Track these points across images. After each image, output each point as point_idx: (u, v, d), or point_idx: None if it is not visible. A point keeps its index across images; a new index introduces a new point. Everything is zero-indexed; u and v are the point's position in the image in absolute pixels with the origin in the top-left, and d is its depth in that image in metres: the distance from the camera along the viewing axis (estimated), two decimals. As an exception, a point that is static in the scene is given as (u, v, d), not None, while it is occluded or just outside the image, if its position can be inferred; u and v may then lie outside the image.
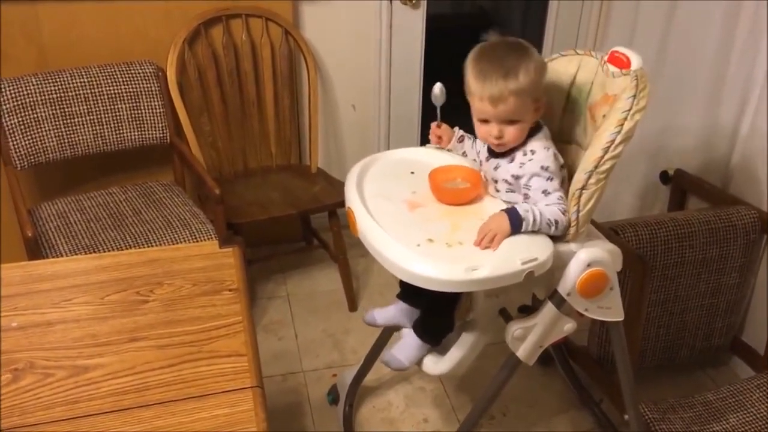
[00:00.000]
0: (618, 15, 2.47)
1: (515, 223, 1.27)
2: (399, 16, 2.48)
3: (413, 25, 2.52)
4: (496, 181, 1.41)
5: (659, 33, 2.25)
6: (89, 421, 0.92)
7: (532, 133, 1.36)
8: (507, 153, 1.38)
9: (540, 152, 1.33)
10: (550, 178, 1.32)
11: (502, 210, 1.31)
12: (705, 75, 2.13)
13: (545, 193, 1.32)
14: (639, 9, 2.34)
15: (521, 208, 1.28)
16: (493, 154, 1.41)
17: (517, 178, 1.35)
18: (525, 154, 1.35)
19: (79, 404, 0.95)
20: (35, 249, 1.84)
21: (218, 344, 1.05)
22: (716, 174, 2.12)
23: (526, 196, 1.35)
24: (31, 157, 2.05)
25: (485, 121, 1.34)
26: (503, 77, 1.27)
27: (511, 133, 1.33)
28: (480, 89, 1.30)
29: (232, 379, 0.99)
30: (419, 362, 1.52)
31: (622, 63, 1.33)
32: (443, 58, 2.33)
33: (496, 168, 1.40)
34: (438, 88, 1.51)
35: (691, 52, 2.17)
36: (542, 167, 1.32)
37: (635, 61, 1.31)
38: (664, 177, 2.26)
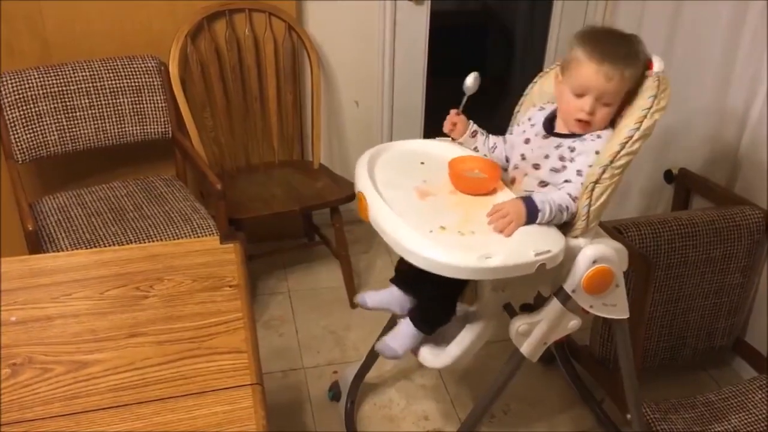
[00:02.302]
0: (623, 14, 2.46)
1: (531, 213, 1.28)
2: (403, 12, 2.47)
3: (417, 21, 2.51)
4: (546, 157, 1.40)
5: (665, 32, 2.24)
6: (88, 416, 0.92)
7: (606, 127, 1.38)
8: (577, 135, 1.38)
9: (604, 139, 1.35)
10: (590, 165, 1.33)
11: (519, 197, 1.31)
12: (710, 74, 2.12)
13: (579, 173, 1.33)
14: (644, 8, 2.33)
15: (537, 200, 1.29)
16: (552, 132, 1.42)
17: (572, 150, 1.36)
18: (592, 135, 1.37)
19: (78, 400, 0.94)
20: (36, 243, 1.84)
21: (218, 341, 1.04)
22: (721, 173, 2.11)
23: (564, 168, 1.36)
24: (33, 150, 2.05)
25: (580, 96, 1.34)
26: (623, 60, 1.30)
27: (601, 113, 1.34)
28: (599, 61, 1.30)
29: (231, 376, 0.98)
30: (416, 354, 1.51)
31: (647, 66, 1.35)
32: (447, 55, 2.33)
33: (558, 147, 1.39)
34: (473, 76, 1.52)
35: (697, 51, 2.16)
36: (596, 152, 1.34)
37: (657, 65, 1.33)
38: (668, 176, 2.24)
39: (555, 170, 1.38)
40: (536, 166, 1.42)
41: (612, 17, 2.55)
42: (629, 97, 1.35)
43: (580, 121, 1.36)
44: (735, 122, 2.05)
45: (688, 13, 2.17)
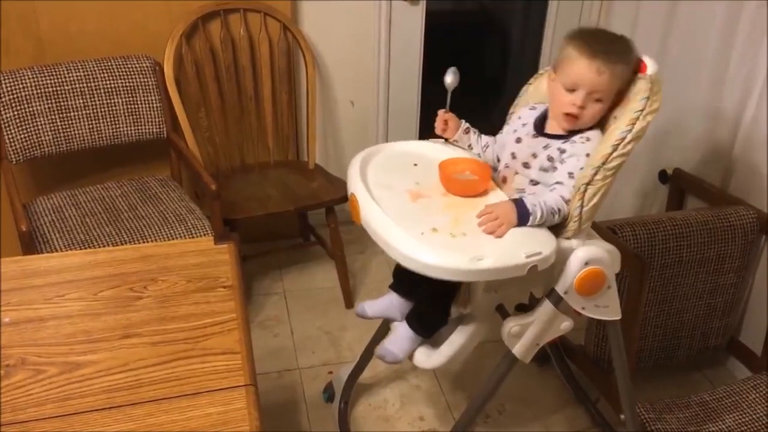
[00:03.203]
0: (618, 14, 2.46)
1: (522, 215, 1.28)
2: (398, 12, 2.47)
3: (412, 21, 2.51)
4: (534, 156, 1.40)
5: (659, 32, 2.25)
6: (81, 418, 0.91)
7: (594, 126, 1.39)
8: (564, 136, 1.39)
9: (594, 142, 1.35)
10: (581, 168, 1.34)
11: (511, 199, 1.31)
12: (705, 75, 2.12)
13: (570, 175, 1.33)
14: (639, 8, 2.33)
15: (529, 203, 1.29)
16: (542, 132, 1.42)
17: (562, 152, 1.36)
18: (581, 138, 1.37)
19: (71, 401, 0.94)
20: (30, 243, 1.83)
21: (212, 341, 1.04)
22: (715, 173, 2.12)
23: (554, 169, 1.36)
24: (27, 151, 2.04)
25: (572, 90, 1.35)
26: (615, 56, 1.31)
27: (592, 109, 1.35)
28: (590, 56, 1.31)
29: (225, 377, 0.98)
30: (411, 355, 1.51)
31: (638, 68, 1.35)
32: (443, 55, 2.32)
33: (546, 147, 1.39)
34: (451, 71, 1.52)
35: (691, 51, 2.17)
36: (587, 155, 1.34)
37: (651, 67, 1.33)
38: (663, 176, 2.25)
39: (544, 170, 1.39)
40: (526, 165, 1.42)
41: (607, 18, 2.55)
42: (619, 98, 1.35)
43: (569, 115, 1.36)
44: (729, 123, 2.06)
45: (682, 14, 2.18)
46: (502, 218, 1.28)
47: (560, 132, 1.40)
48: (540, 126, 1.44)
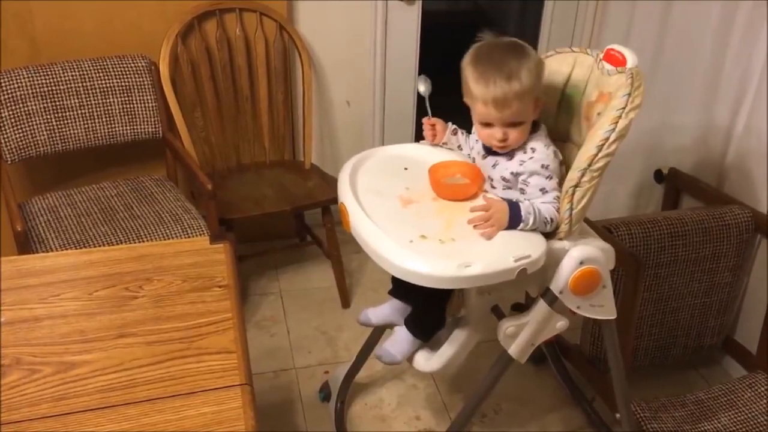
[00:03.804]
0: (613, 14, 2.47)
1: (514, 220, 1.28)
2: (394, 12, 2.47)
3: (408, 21, 2.51)
4: (491, 179, 1.40)
5: (655, 32, 2.25)
6: (76, 418, 0.91)
7: (531, 131, 1.36)
8: (508, 152, 1.37)
9: (540, 150, 1.33)
10: (549, 177, 1.32)
11: (507, 201, 1.30)
12: (700, 74, 2.13)
13: (543, 191, 1.32)
14: (634, 8, 2.33)
15: (524, 209, 1.28)
16: (490, 152, 1.41)
17: (516, 175, 1.35)
18: (525, 152, 1.35)
19: (66, 401, 0.94)
20: (25, 244, 1.83)
21: (207, 341, 1.04)
22: (711, 173, 2.12)
23: (522, 191, 1.35)
24: (22, 150, 2.04)
25: (488, 124, 1.33)
26: (506, 80, 1.26)
27: (515, 135, 1.32)
28: (483, 93, 1.28)
29: (220, 376, 0.98)
30: (410, 358, 1.51)
31: (617, 61, 1.32)
32: (439, 54, 2.33)
33: (494, 165, 1.39)
34: (422, 79, 1.53)
35: (686, 51, 2.17)
36: (543, 165, 1.32)
37: (631, 59, 1.30)
38: (659, 176, 2.26)
39: (508, 188, 1.37)
40: (492, 185, 1.41)
41: (602, 18, 2.55)
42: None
43: (500, 148, 1.35)
44: (725, 122, 2.06)
45: (677, 14, 2.18)
46: (493, 220, 1.27)
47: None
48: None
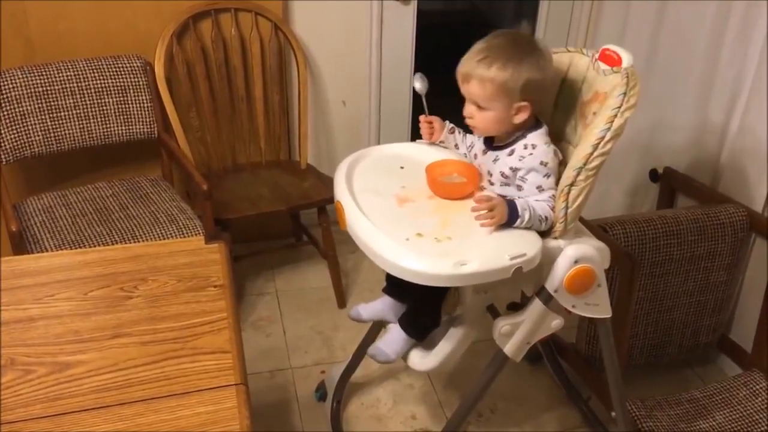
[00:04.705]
0: (608, 14, 2.47)
1: (511, 216, 1.28)
2: (390, 12, 2.47)
3: (404, 21, 2.51)
4: (490, 174, 1.41)
5: (650, 32, 2.25)
6: (70, 418, 0.91)
7: (531, 128, 1.37)
8: (507, 146, 1.38)
9: (541, 147, 1.34)
10: (547, 175, 1.33)
11: (506, 198, 1.31)
12: (695, 73, 2.13)
13: (539, 189, 1.33)
14: (629, 8, 2.34)
15: (519, 206, 1.28)
16: (491, 146, 1.42)
17: (514, 170, 1.35)
18: (525, 148, 1.35)
19: (61, 401, 0.93)
20: (20, 244, 1.82)
21: (202, 341, 1.04)
22: (705, 172, 2.13)
23: (519, 188, 1.35)
24: (17, 151, 2.03)
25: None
26: (478, 60, 1.30)
27: (479, 118, 1.35)
28: (460, 63, 1.33)
29: (215, 376, 0.98)
30: (405, 356, 1.51)
31: (613, 61, 1.33)
32: (434, 54, 2.33)
33: (495, 161, 1.39)
34: (418, 77, 1.53)
35: (681, 50, 2.18)
36: (541, 162, 1.32)
37: (626, 59, 1.31)
38: (654, 175, 2.26)
39: (505, 184, 1.38)
40: (490, 181, 1.42)
41: (597, 18, 2.56)
42: (544, 99, 1.35)
43: (470, 126, 1.39)
44: (719, 121, 2.07)
45: (672, 13, 2.19)
46: (495, 212, 1.27)
47: (505, 141, 1.39)
48: (490, 139, 1.43)
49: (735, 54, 1.99)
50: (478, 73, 1.30)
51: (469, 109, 1.36)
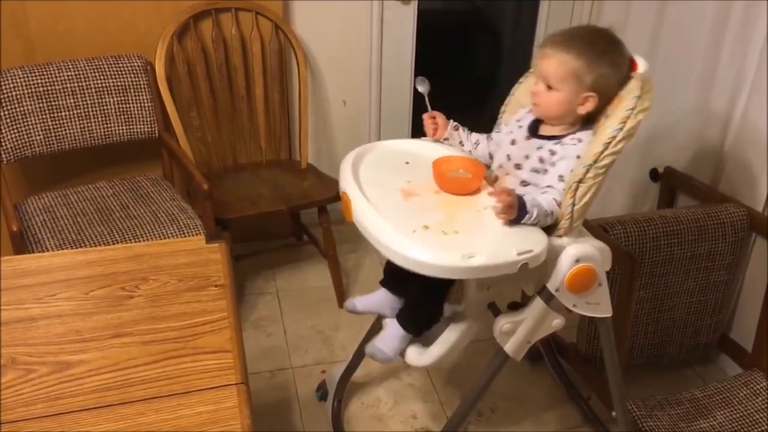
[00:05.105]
0: (608, 14, 2.47)
1: (520, 213, 1.28)
2: (390, 11, 2.48)
3: (404, 20, 2.51)
4: (527, 158, 1.41)
5: (650, 31, 2.26)
6: (71, 417, 0.91)
7: (583, 127, 1.39)
8: (556, 137, 1.39)
9: (585, 143, 1.35)
10: (573, 170, 1.34)
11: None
12: (695, 73, 2.13)
13: (561, 179, 1.34)
14: (629, 8, 2.34)
15: (528, 201, 1.29)
16: (535, 134, 1.43)
17: (552, 153, 1.37)
18: (572, 140, 1.37)
19: (62, 401, 0.93)
20: (21, 244, 1.82)
21: (203, 340, 1.04)
22: (706, 172, 2.13)
23: (545, 171, 1.37)
24: (18, 150, 2.03)
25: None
26: (560, 41, 1.34)
27: (544, 96, 1.37)
28: (542, 45, 1.37)
29: (216, 375, 0.98)
30: (402, 353, 1.51)
31: (630, 68, 1.35)
32: (435, 54, 2.34)
33: (539, 148, 1.40)
34: (420, 80, 1.56)
35: (681, 50, 2.18)
36: (578, 156, 1.34)
37: (642, 66, 1.34)
38: (654, 174, 2.26)
39: (535, 171, 1.39)
40: (518, 166, 1.42)
41: (597, 17, 2.56)
42: (607, 97, 1.35)
43: (533, 103, 1.41)
44: (719, 121, 2.07)
45: (672, 13, 2.19)
46: (508, 208, 1.27)
47: (554, 133, 1.40)
48: (534, 128, 1.44)
49: (735, 54, 1.99)
50: (557, 53, 1.33)
51: (537, 87, 1.38)
